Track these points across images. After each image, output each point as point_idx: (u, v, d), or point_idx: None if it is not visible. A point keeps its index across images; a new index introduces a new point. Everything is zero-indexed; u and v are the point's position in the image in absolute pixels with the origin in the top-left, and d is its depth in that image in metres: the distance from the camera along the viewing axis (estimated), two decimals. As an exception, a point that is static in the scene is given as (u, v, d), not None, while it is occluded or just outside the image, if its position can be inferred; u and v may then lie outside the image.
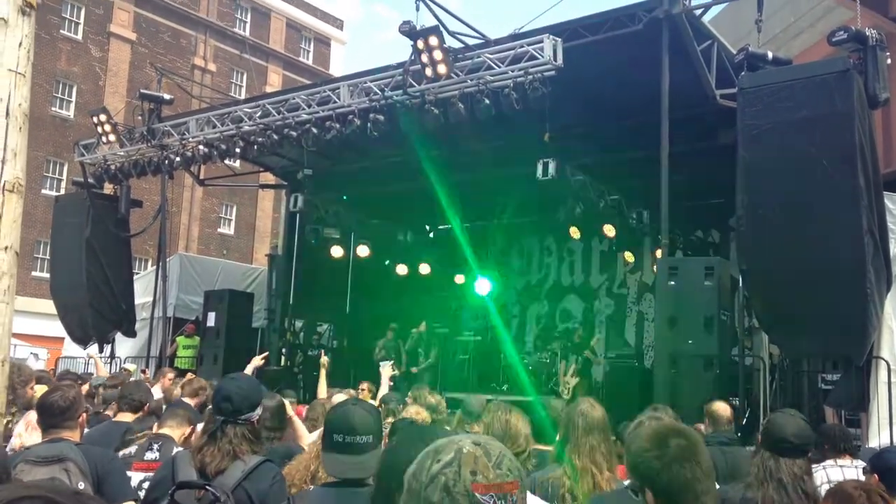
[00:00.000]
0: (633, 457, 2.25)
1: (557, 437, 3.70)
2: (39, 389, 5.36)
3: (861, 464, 4.69)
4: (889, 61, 8.52)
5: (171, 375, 8.86)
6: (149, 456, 4.11)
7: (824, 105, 8.00)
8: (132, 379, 8.63)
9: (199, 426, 4.39)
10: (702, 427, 6.30)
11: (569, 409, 3.70)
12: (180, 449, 3.89)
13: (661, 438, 2.19)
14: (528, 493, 3.19)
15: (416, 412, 4.91)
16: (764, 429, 3.49)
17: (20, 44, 3.20)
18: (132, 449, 4.19)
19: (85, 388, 7.82)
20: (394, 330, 15.73)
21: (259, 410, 3.19)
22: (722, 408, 6.00)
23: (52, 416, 3.80)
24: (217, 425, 3.12)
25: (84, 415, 3.98)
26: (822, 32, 12.55)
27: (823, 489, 4.77)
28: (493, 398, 12.68)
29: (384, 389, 7.58)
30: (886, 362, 8.27)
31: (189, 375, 8.99)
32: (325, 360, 8.99)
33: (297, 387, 15.87)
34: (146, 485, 3.65)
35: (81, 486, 3.41)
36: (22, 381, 5.27)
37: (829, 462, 5.03)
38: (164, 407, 6.15)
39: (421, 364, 15.45)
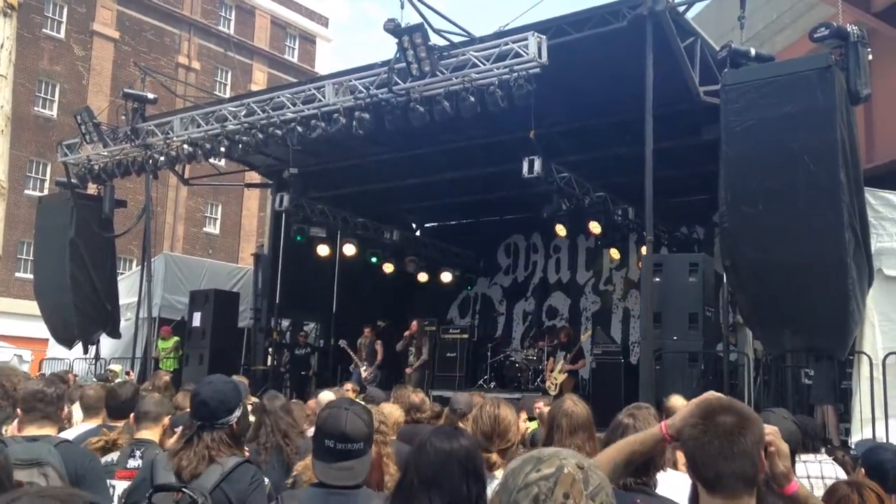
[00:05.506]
0: (680, 420, 2.23)
1: (542, 437, 3.71)
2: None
3: (823, 458, 4.73)
4: (871, 57, 8.58)
5: (166, 378, 8.73)
6: (131, 464, 4.06)
7: (806, 101, 8.06)
8: (117, 380, 8.54)
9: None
10: None
11: (552, 409, 3.71)
12: (159, 452, 3.88)
13: (710, 411, 2.12)
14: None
15: (388, 411, 4.89)
16: None
17: (1, 46, 3.19)
18: (114, 456, 4.11)
19: None
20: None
21: (238, 413, 3.15)
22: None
23: (32, 401, 3.80)
24: (194, 430, 3.10)
25: (67, 409, 3.97)
26: (804, 29, 12.61)
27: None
28: (481, 395, 12.86)
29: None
30: (869, 357, 8.34)
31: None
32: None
33: (283, 386, 15.87)
34: None
35: None
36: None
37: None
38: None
39: (413, 364, 15.44)
